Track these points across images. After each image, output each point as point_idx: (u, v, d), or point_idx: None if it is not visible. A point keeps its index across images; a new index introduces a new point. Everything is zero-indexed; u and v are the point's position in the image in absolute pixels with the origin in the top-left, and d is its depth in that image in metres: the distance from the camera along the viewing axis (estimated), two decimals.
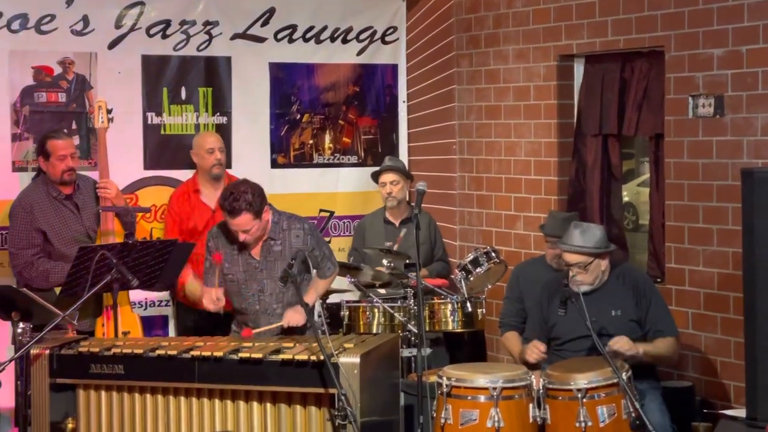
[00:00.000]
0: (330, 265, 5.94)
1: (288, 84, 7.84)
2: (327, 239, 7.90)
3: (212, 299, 5.72)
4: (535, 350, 5.64)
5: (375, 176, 7.27)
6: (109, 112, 6.76)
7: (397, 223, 7.20)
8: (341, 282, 7.08)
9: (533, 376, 5.35)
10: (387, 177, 7.16)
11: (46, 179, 6.46)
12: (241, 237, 5.66)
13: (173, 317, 7.28)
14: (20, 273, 6.36)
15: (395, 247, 6.87)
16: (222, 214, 5.67)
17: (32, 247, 6.34)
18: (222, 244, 5.82)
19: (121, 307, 6.16)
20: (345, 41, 8.01)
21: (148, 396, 5.36)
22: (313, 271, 5.91)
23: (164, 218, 7.15)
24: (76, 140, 7.04)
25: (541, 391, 5.27)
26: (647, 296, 5.73)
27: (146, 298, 7.29)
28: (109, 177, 6.49)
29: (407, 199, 7.29)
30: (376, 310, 6.62)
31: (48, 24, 7.02)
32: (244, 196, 5.55)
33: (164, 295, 7.32)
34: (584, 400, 5.10)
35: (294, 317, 5.70)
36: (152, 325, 7.33)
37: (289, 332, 5.72)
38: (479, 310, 6.69)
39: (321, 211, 7.93)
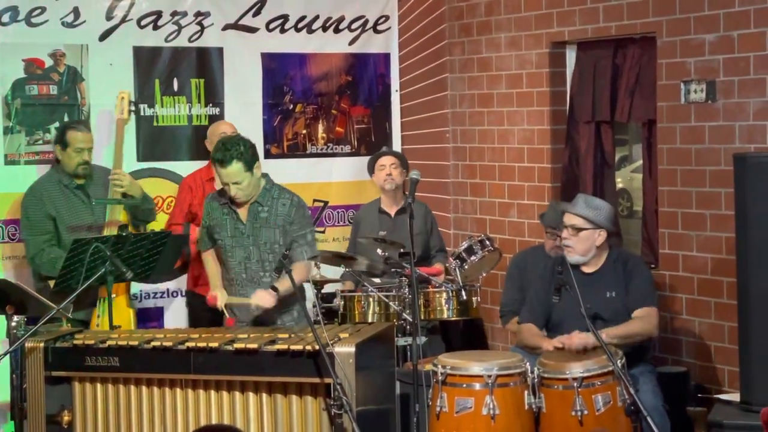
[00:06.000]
0: (304, 250, 5.78)
1: (280, 74, 7.83)
2: (321, 229, 7.91)
3: (217, 298, 5.90)
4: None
5: (372, 162, 7.15)
6: (132, 104, 6.77)
7: (392, 213, 7.15)
8: (337, 271, 7.09)
9: (527, 364, 5.34)
10: (386, 160, 7.06)
11: (60, 168, 6.48)
12: (232, 191, 5.68)
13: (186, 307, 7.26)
14: (33, 259, 6.39)
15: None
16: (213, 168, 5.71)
17: (45, 233, 6.35)
18: (213, 207, 5.88)
19: (116, 299, 6.15)
20: (337, 31, 8.00)
21: (144, 388, 5.36)
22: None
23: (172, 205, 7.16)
24: None
25: (535, 380, 5.26)
26: (632, 275, 5.70)
27: (141, 290, 7.28)
28: (122, 168, 6.48)
29: (402, 189, 7.25)
30: (371, 299, 6.61)
31: (38, 16, 7.00)
32: (236, 147, 5.64)
33: (160, 286, 7.32)
34: (580, 388, 5.09)
35: (263, 297, 5.66)
36: (148, 317, 7.33)
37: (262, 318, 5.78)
38: (474, 299, 6.68)
39: (315, 201, 7.91)
